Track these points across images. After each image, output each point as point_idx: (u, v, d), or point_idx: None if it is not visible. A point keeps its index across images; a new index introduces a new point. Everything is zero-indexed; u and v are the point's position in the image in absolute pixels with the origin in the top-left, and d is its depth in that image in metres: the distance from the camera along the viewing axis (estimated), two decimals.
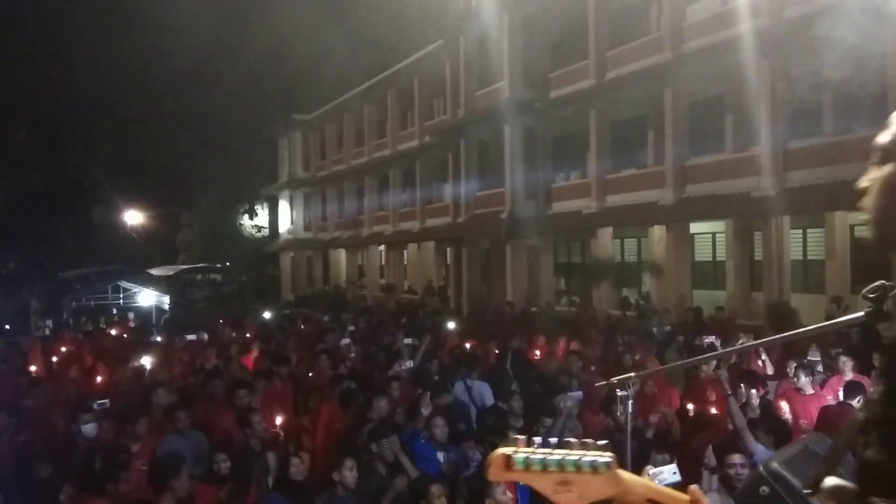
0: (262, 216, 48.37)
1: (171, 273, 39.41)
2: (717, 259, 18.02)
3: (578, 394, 5.97)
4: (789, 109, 14.72)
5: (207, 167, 45.87)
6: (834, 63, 13.19)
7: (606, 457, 1.08)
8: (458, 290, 24.42)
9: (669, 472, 3.89)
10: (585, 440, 1.09)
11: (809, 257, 15.93)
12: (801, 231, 15.84)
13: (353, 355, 9.76)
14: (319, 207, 38.56)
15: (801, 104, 14.73)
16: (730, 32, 14.59)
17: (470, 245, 24.05)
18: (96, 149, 43.81)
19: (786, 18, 13.95)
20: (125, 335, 14.36)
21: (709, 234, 18.27)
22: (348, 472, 4.37)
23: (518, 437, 1.07)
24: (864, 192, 1.10)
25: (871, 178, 1.09)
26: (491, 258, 23.64)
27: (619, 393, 1.94)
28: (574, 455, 1.07)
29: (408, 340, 9.84)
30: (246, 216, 48.88)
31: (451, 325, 12.95)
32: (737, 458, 4.27)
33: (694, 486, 1.17)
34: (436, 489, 4.10)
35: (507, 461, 1.05)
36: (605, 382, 2.13)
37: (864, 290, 1.16)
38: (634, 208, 18.15)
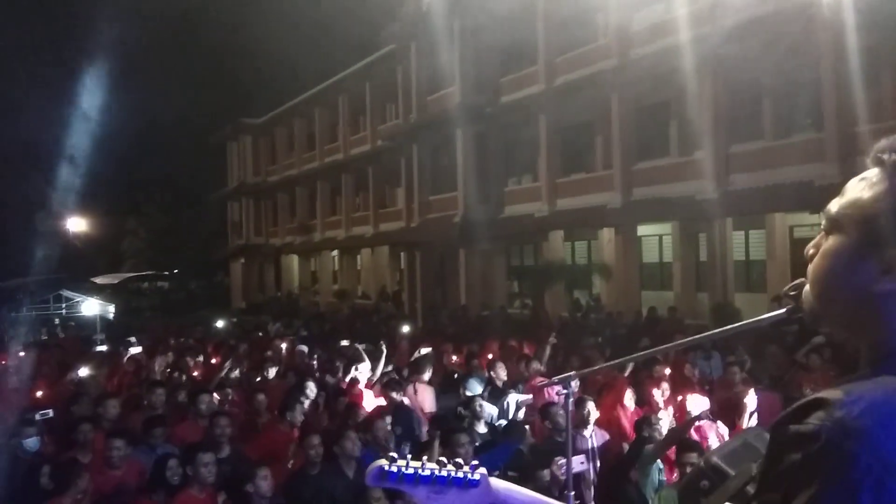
0: (212, 222, 47.43)
1: (116, 281, 38.27)
2: (664, 261, 18.48)
3: (528, 397, 6.05)
4: (730, 115, 15.21)
5: (154, 172, 44.80)
6: (771, 69, 13.72)
7: (477, 474, 1.22)
8: (413, 295, 24.41)
9: (577, 462, 4.13)
10: (458, 461, 1.23)
11: (752, 258, 16.48)
12: (743, 233, 16.38)
13: (312, 360, 9.70)
14: (270, 213, 38.04)
15: (742, 110, 15.26)
16: (673, 40, 14.99)
17: (423, 249, 24.07)
18: (37, 153, 42.31)
19: (726, 26, 14.42)
20: (67, 346, 13.90)
21: (656, 237, 18.72)
22: (262, 482, 4.31)
23: (394, 454, 1.21)
24: (809, 258, 1.03)
25: (817, 245, 1.01)
26: (444, 262, 23.71)
27: (560, 391, 1.99)
28: (445, 472, 1.21)
29: (361, 346, 9.79)
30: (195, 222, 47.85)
31: (405, 329, 12.97)
32: (693, 456, 4.38)
33: None
34: (376, 492, 4.12)
35: (382, 473, 1.19)
36: (545, 381, 2.18)
37: (785, 288, 1.15)
38: (584, 211, 18.48)
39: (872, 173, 0.97)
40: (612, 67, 17.29)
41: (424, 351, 9.27)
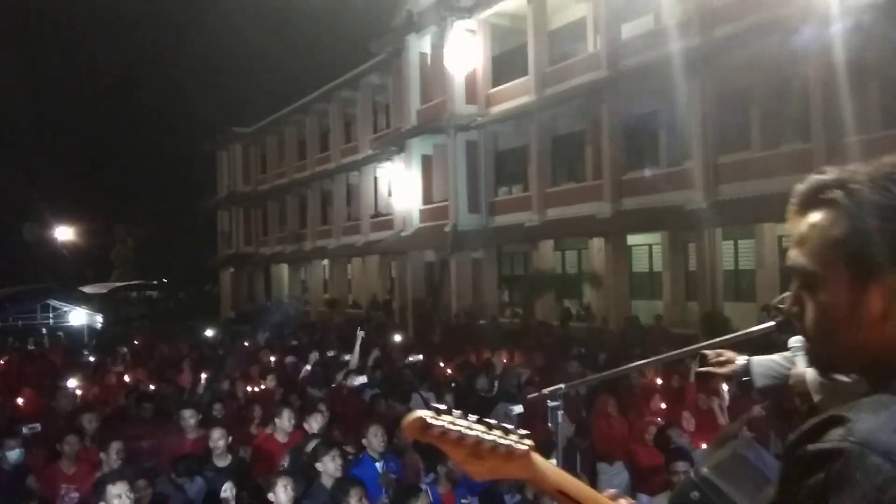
0: (201, 231, 47.26)
1: (104, 290, 37.98)
2: (654, 270, 18.54)
3: (518, 407, 6.04)
4: (719, 125, 15.32)
5: (143, 181, 44.62)
6: (760, 80, 13.83)
7: (525, 444, 1.12)
8: (403, 304, 24.35)
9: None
10: (506, 425, 1.12)
11: (741, 267, 16.56)
12: (732, 242, 16.46)
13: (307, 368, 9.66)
14: (260, 222, 37.91)
15: (731, 120, 15.37)
16: (663, 51, 15.10)
17: (414, 258, 24.05)
18: (26, 162, 42.06)
19: (715, 37, 14.55)
20: (54, 356, 13.75)
21: (646, 246, 18.79)
22: (282, 492, 4.27)
23: (439, 406, 1.10)
24: (796, 314, 1.03)
25: (802, 302, 1.01)
26: (435, 271, 23.69)
27: (550, 404, 1.98)
28: (491, 436, 1.10)
29: (348, 357, 9.78)
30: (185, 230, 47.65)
31: (396, 338, 12.96)
32: (681, 466, 4.36)
33: (614, 490, 1.19)
34: (355, 491, 4.09)
35: (425, 425, 1.08)
36: (536, 394, 2.17)
37: (774, 300, 1.15)
38: (574, 221, 18.52)
39: (824, 215, 0.98)
40: (601, 78, 17.39)
41: (414, 358, 9.27)
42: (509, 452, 1.10)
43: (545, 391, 1.98)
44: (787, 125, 14.44)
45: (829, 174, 1.00)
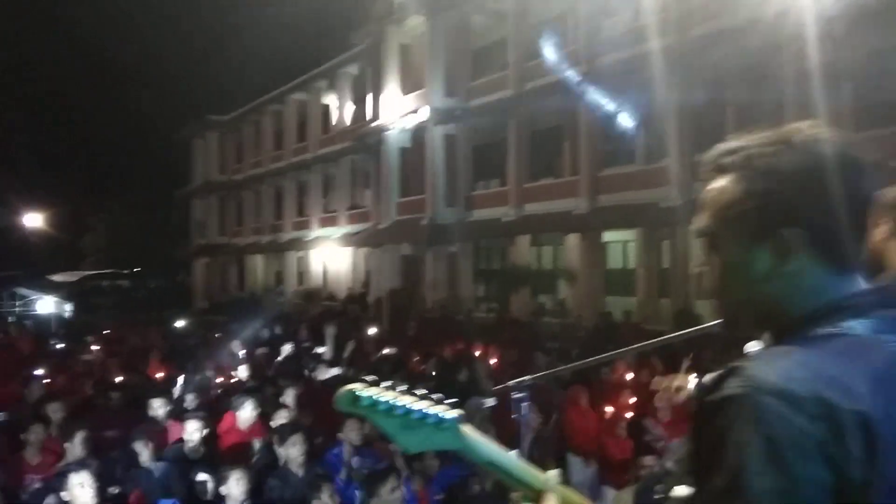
0: (175, 220, 46.66)
1: (74, 279, 37.36)
2: (628, 267, 18.70)
3: (491, 400, 6.04)
4: (695, 124, 15.46)
5: (116, 168, 43.90)
6: (736, 81, 14.00)
7: (453, 413, 1.13)
8: (379, 297, 24.28)
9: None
10: (435, 395, 1.13)
11: None
12: None
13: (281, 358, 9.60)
14: (235, 211, 37.53)
15: (707, 119, 15.52)
16: (641, 49, 15.19)
17: (391, 251, 23.98)
18: None
19: (693, 36, 14.67)
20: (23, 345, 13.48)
21: (621, 243, 18.93)
22: (235, 485, 4.23)
23: (367, 377, 1.12)
24: (702, 276, 1.10)
25: (705, 263, 1.10)
26: (412, 264, 23.66)
27: (515, 395, 2.00)
28: (420, 406, 1.11)
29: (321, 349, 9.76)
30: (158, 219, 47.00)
31: (372, 331, 12.93)
32: (649, 460, 4.42)
33: (553, 472, 1.21)
34: (326, 487, 4.07)
35: (354, 397, 1.10)
36: (501, 386, 2.18)
37: None
38: (551, 216, 18.60)
39: (724, 180, 1.05)
40: (580, 74, 17.44)
41: (388, 351, 9.26)
42: (439, 422, 1.12)
43: (510, 383, 1.99)
44: (761, 125, 14.61)
45: (730, 143, 1.07)
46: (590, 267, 17.92)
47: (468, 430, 1.16)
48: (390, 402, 1.10)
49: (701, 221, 1.09)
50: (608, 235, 18.51)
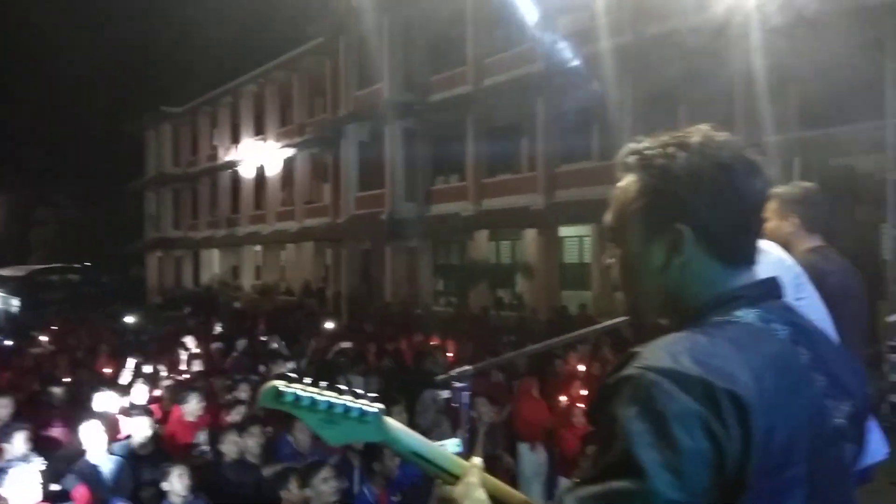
0: (127, 213, 45.55)
1: (22, 273, 36.15)
2: (584, 261, 18.99)
3: (446, 392, 6.11)
4: (648, 121, 15.76)
5: (66, 160, 42.62)
6: (687, 80, 14.30)
7: (375, 407, 1.16)
8: (337, 292, 24.16)
9: (453, 444, 4.12)
10: (357, 390, 1.17)
11: None
12: None
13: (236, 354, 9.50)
14: (190, 205, 36.85)
15: (660, 117, 15.84)
16: (596, 46, 15.42)
17: (349, 246, 23.88)
18: None
19: (646, 35, 14.94)
20: None
21: (577, 238, 19.21)
22: (177, 481, 4.20)
23: (290, 374, 1.15)
24: (610, 267, 1.18)
25: (613, 256, 1.17)
26: (371, 259, 23.60)
27: (457, 385, 2.05)
28: (343, 401, 1.14)
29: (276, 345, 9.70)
30: (109, 213, 45.82)
31: (329, 325, 12.87)
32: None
33: (473, 462, 1.24)
34: (294, 481, 4.08)
35: (277, 393, 1.12)
36: (444, 376, 2.23)
37: None
38: (509, 212, 18.77)
39: (626, 179, 1.15)
40: (537, 71, 17.62)
41: (344, 345, 9.24)
42: (361, 415, 1.15)
43: (452, 372, 2.04)
44: (711, 123, 14.99)
45: (636, 144, 1.16)
46: (546, 261, 18.15)
47: (391, 423, 1.19)
48: (313, 397, 1.12)
49: (608, 217, 1.19)
50: (564, 231, 18.77)
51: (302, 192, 27.91)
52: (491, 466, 1.28)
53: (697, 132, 1.12)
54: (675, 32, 13.46)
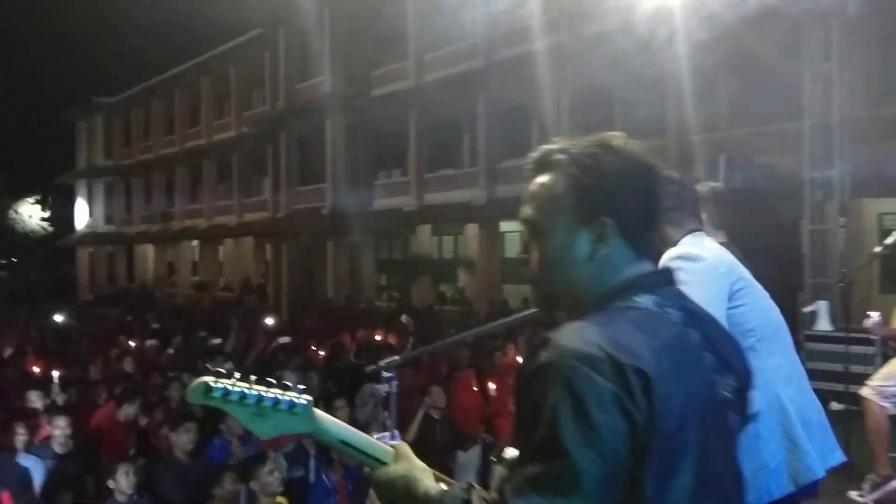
0: (56, 207, 43.75)
1: None
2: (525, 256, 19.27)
3: (384, 386, 6.18)
4: (585, 120, 16.11)
5: None
6: (622, 80, 14.69)
7: (304, 399, 1.20)
8: (278, 288, 23.86)
9: (390, 438, 4.28)
10: (286, 384, 1.21)
11: None
12: None
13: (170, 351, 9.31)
14: (123, 199, 35.69)
15: (595, 116, 16.21)
16: (534, 45, 15.65)
17: (290, 241, 23.59)
18: None
19: (582, 35, 15.26)
20: None
21: (518, 233, 19.49)
22: (123, 478, 4.16)
23: (220, 369, 1.17)
24: (525, 261, 1.28)
25: (529, 250, 1.27)
26: (312, 254, 23.38)
27: (385, 375, 2.12)
28: (272, 394, 1.17)
29: (217, 340, 9.56)
30: (37, 206, 43.89)
31: (269, 321, 12.70)
32: None
33: (402, 442, 1.31)
34: (228, 477, 4.08)
35: (207, 389, 1.14)
36: (373, 366, 2.30)
37: None
38: (451, 207, 18.90)
39: (550, 175, 1.24)
40: (478, 68, 17.78)
41: (283, 340, 9.19)
42: (291, 407, 1.18)
43: (381, 363, 2.11)
44: (644, 122, 15.45)
45: (556, 144, 1.25)
46: (488, 256, 18.37)
47: (319, 413, 1.23)
48: (243, 391, 1.15)
49: (526, 212, 1.26)
50: (505, 225, 19.02)
51: (240, 186, 27.39)
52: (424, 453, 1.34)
53: (614, 137, 1.24)
54: (608, 33, 13.80)
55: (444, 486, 1.21)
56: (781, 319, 2.32)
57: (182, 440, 4.61)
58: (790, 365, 2.25)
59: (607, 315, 1.13)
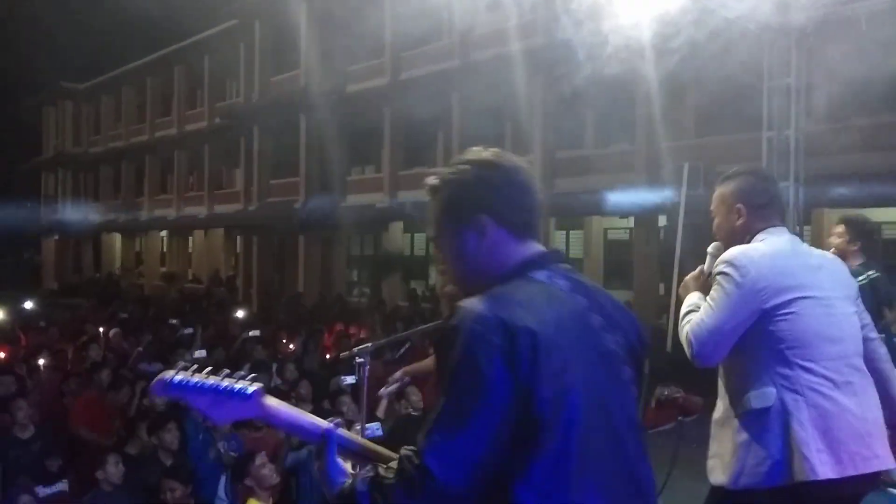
0: (22, 194, 42.76)
1: None
2: None
3: (351, 378, 6.33)
4: (557, 124, 16.40)
5: None
6: (593, 86, 14.95)
7: (255, 386, 1.35)
8: (248, 281, 23.77)
9: (374, 428, 4.51)
10: (239, 373, 1.37)
11: (571, 255, 17.90)
12: (564, 232, 17.76)
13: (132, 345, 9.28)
14: (91, 187, 35.12)
15: (569, 120, 16.50)
16: (509, 47, 15.87)
17: (261, 234, 23.51)
18: None
19: (556, 40, 15.51)
20: None
21: None
22: (113, 468, 4.25)
23: (181, 362, 1.35)
24: (443, 270, 1.56)
25: (443, 262, 1.54)
26: (283, 248, 23.33)
27: (357, 360, 2.29)
28: (225, 382, 1.33)
29: (189, 330, 9.60)
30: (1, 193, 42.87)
31: (239, 314, 12.74)
32: None
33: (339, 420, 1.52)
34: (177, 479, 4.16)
35: (166, 382, 1.30)
36: (346, 353, 2.46)
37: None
38: (424, 204, 18.55)
39: (433, 198, 1.55)
40: (454, 68, 17.95)
41: (252, 333, 9.27)
42: (242, 394, 1.32)
43: (355, 350, 2.28)
44: (616, 129, 15.80)
45: (438, 171, 1.57)
46: None
47: (270, 399, 1.38)
48: (200, 381, 1.30)
49: (429, 232, 1.55)
50: None
51: (211, 178, 27.18)
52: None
53: (487, 151, 1.56)
54: (582, 41, 14.05)
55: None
56: (840, 329, 2.27)
57: (166, 439, 4.69)
58: (826, 372, 2.20)
59: (505, 287, 1.38)
